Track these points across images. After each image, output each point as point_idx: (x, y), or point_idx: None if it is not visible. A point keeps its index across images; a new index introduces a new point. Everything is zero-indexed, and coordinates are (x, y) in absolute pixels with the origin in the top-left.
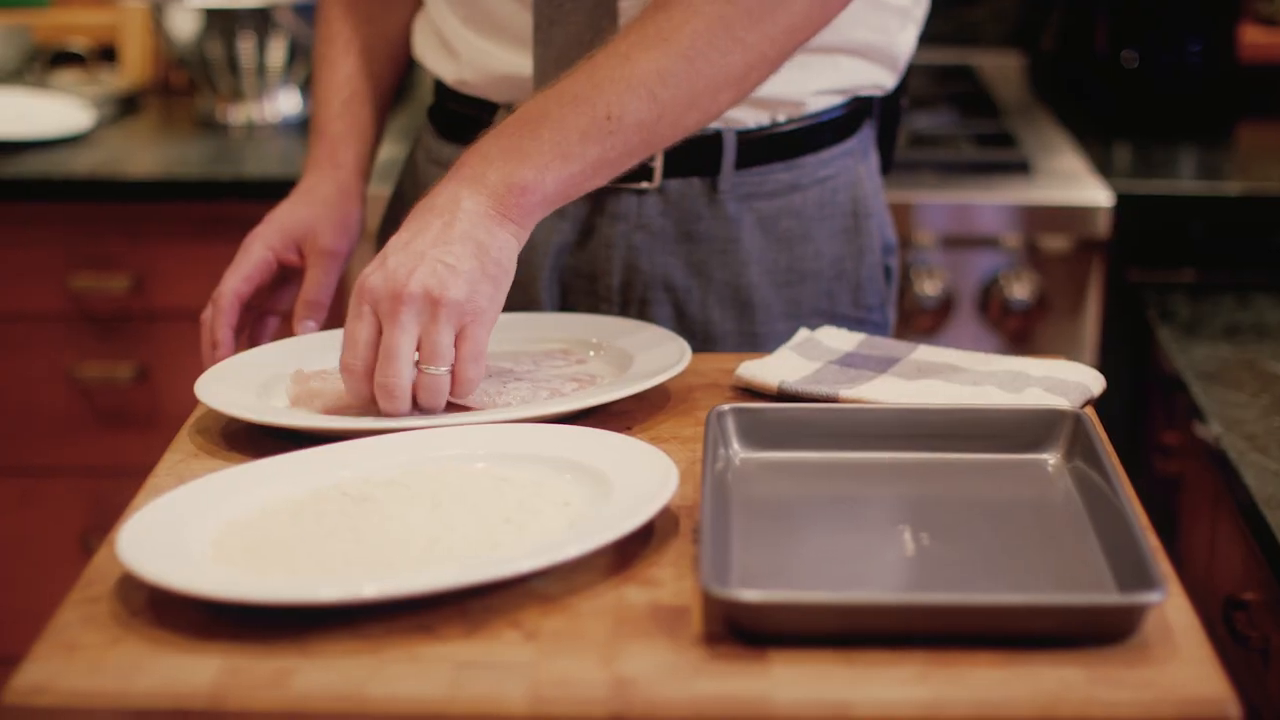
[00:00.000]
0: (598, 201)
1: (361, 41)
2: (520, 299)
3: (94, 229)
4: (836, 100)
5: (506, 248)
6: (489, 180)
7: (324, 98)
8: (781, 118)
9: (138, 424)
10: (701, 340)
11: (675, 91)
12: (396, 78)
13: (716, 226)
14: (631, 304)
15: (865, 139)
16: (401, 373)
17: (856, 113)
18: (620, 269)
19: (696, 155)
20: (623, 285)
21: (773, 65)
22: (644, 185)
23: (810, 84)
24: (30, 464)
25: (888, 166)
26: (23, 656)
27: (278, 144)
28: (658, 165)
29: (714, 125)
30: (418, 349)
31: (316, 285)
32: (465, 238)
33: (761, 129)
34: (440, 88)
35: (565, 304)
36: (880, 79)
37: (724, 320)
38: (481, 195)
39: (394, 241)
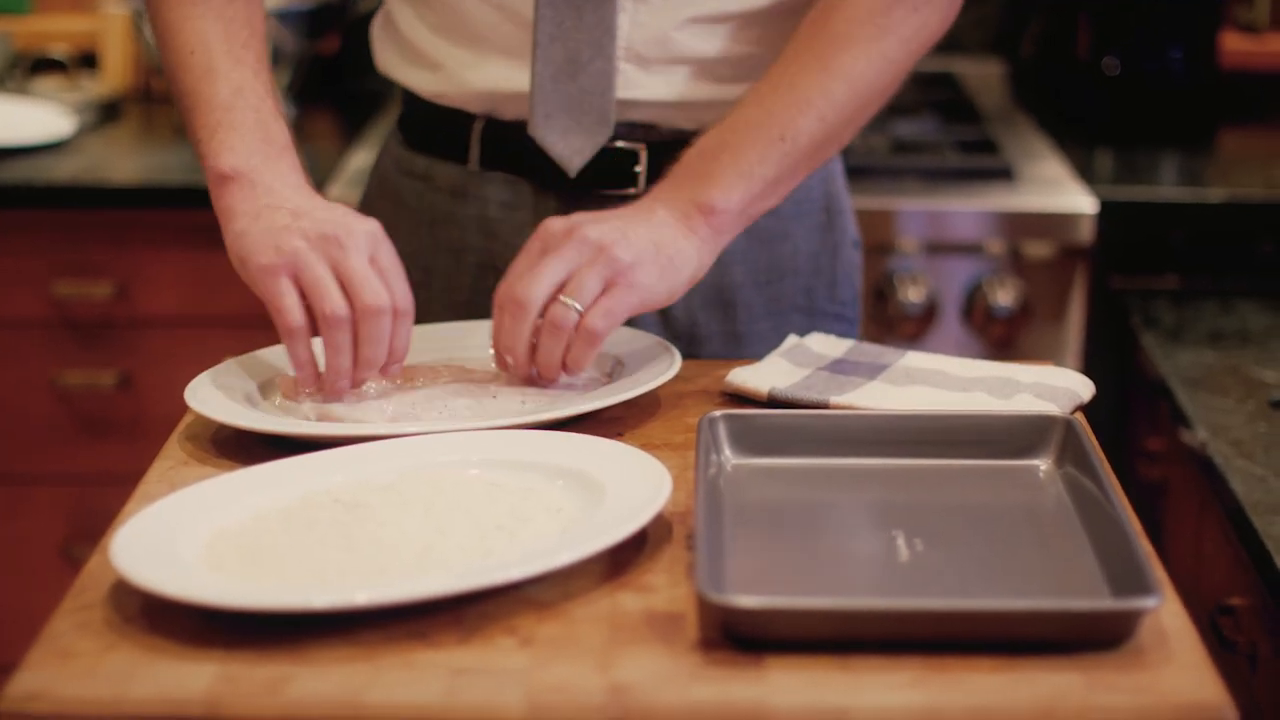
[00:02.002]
0: (582, 208)
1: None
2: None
3: (76, 236)
4: None
5: (686, 256)
6: (680, 199)
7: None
8: None
9: (120, 431)
10: (687, 342)
11: (838, 110)
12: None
13: None
14: None
15: None
16: (538, 291)
17: None
18: None
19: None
20: None
21: (906, 75)
22: (629, 191)
23: None
24: (12, 471)
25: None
26: (6, 663)
27: None
28: (641, 171)
29: (694, 129)
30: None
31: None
32: (651, 229)
33: None
34: (411, 98)
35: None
36: None
37: (709, 321)
38: (674, 208)
39: (602, 216)
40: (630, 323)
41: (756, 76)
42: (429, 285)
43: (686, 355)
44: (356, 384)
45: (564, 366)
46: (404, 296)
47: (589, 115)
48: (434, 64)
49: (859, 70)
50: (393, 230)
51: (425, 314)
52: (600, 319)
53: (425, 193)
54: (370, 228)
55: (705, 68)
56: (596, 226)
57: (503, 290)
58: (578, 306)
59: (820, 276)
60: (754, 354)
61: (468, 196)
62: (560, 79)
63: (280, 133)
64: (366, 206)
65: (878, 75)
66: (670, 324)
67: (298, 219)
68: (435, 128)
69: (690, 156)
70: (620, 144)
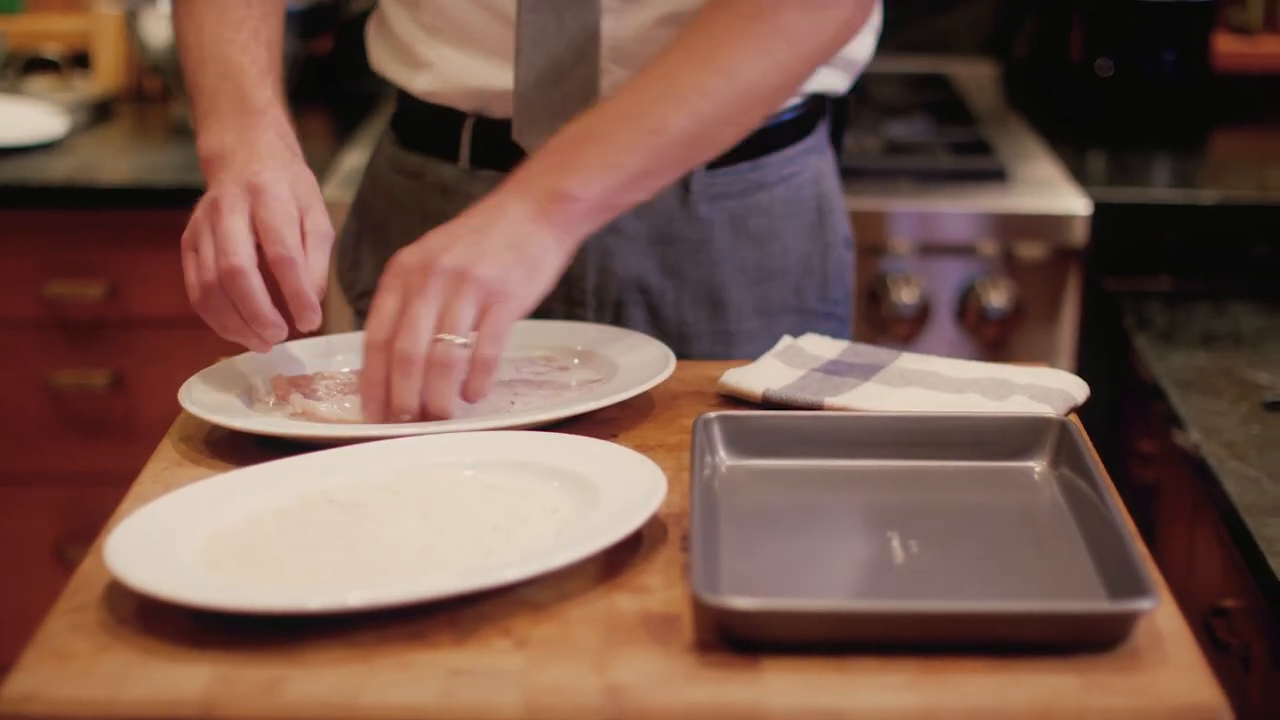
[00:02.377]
0: None
1: None
2: None
3: (69, 236)
4: (795, 100)
5: (546, 249)
6: (535, 189)
7: (235, 60)
8: None
9: (113, 432)
10: (676, 341)
11: (716, 107)
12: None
13: (689, 228)
14: (606, 306)
15: (822, 137)
16: (418, 341)
17: (813, 112)
18: (595, 272)
19: None
20: (597, 288)
21: (801, 82)
22: None
23: None
24: (5, 471)
25: (838, 164)
26: None
27: None
28: None
29: None
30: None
31: (320, 270)
32: (505, 233)
33: None
34: (404, 97)
35: (540, 308)
36: (835, 82)
37: (698, 320)
38: (527, 201)
39: (435, 231)
40: (618, 322)
41: None
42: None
43: (676, 354)
44: (268, 345)
45: (464, 397)
46: (281, 246)
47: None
48: (425, 63)
49: (741, 69)
50: (386, 227)
51: None
52: (490, 346)
53: (417, 190)
54: (248, 182)
55: None
56: (451, 252)
57: (375, 340)
58: (464, 341)
59: (811, 276)
60: (744, 353)
61: (458, 195)
62: (543, 84)
63: (260, 96)
64: (361, 204)
65: (762, 75)
66: (659, 323)
67: (214, 189)
68: (427, 126)
69: (554, 143)
70: None
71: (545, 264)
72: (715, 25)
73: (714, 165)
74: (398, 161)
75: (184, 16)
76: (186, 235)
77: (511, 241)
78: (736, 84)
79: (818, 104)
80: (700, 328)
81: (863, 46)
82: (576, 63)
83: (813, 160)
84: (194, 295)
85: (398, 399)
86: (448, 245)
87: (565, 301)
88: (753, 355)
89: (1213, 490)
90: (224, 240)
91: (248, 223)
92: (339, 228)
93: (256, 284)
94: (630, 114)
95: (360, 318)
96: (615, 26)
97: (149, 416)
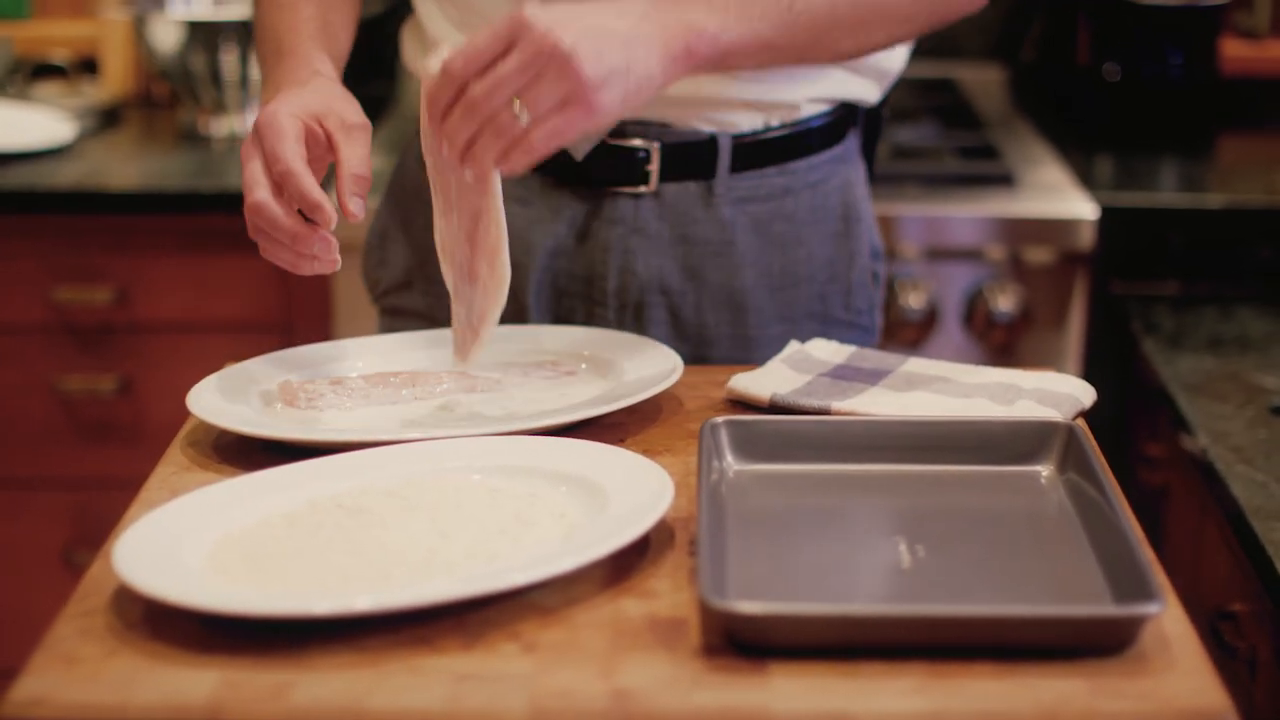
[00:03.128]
0: (593, 205)
1: None
2: (512, 304)
3: (77, 241)
4: (824, 107)
5: (652, 78)
6: (675, 12)
7: (288, 25)
8: (775, 121)
9: (120, 437)
10: (695, 344)
11: (851, 10)
12: (356, 16)
13: (711, 230)
14: (627, 308)
15: (851, 146)
16: (493, 96)
17: (843, 120)
18: (616, 272)
19: (692, 159)
20: (618, 289)
21: (911, 36)
22: (640, 189)
23: (802, 91)
24: (13, 476)
25: (870, 176)
26: (6, 668)
27: None
28: (654, 169)
29: (708, 129)
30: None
31: (358, 158)
32: (627, 42)
33: (755, 133)
34: None
35: (559, 307)
36: (867, 91)
37: (718, 324)
38: (664, 22)
39: (586, 15)
40: (638, 324)
41: (770, 75)
42: (443, 280)
43: (695, 357)
44: (322, 260)
45: (499, 165)
46: (277, 164)
47: None
48: None
49: None
50: (414, 223)
51: (440, 309)
52: (545, 139)
53: None
54: (255, 124)
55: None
56: (571, 34)
57: (456, 71)
58: (526, 118)
59: (835, 284)
60: (764, 359)
61: None
62: None
63: (291, 42)
64: (391, 201)
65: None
66: (679, 325)
67: None
68: None
69: None
70: (635, 142)
71: (643, 92)
72: None
73: (738, 168)
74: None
75: (261, 13)
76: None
77: (629, 54)
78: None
79: (848, 112)
80: (721, 331)
81: (896, 57)
82: None
83: (841, 169)
84: (252, 236)
85: (451, 132)
86: (572, 24)
87: (586, 301)
88: None
89: (1220, 494)
90: (244, 184)
91: (262, 161)
92: (366, 228)
93: (274, 210)
94: None
95: (386, 316)
96: None
97: (156, 421)
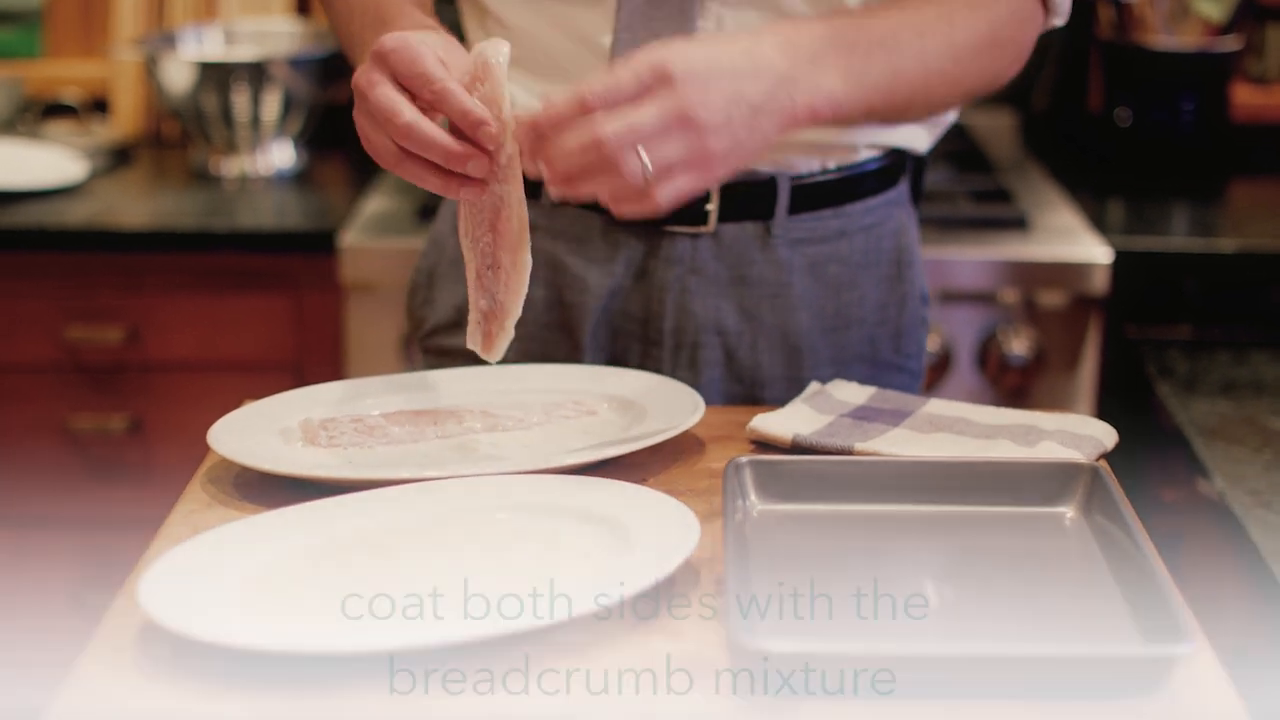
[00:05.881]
0: (651, 245)
1: None
2: (567, 343)
3: (88, 280)
4: (878, 152)
5: (764, 147)
6: (811, 84)
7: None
8: (832, 164)
9: (131, 476)
10: (750, 385)
11: (940, 78)
12: None
13: (768, 271)
14: (683, 348)
15: (903, 191)
16: (624, 139)
17: (896, 165)
18: (673, 312)
19: (751, 199)
20: (675, 329)
21: (971, 100)
22: (699, 230)
23: (861, 135)
24: (22, 514)
25: (919, 221)
26: (16, 707)
27: (271, 197)
28: (713, 209)
29: (768, 170)
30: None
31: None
32: (755, 109)
33: (812, 175)
34: None
35: (614, 346)
36: (919, 139)
37: (773, 365)
38: (795, 93)
39: (713, 49)
40: (693, 366)
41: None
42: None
43: (748, 398)
44: (480, 185)
45: (609, 202)
46: (428, 86)
47: None
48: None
49: (968, 55)
50: (462, 263)
51: None
52: (667, 196)
53: None
54: (374, 53)
55: None
56: (709, 98)
57: (591, 101)
58: (650, 171)
59: (885, 327)
60: None
61: (538, 230)
62: (644, 11)
63: (394, 6)
64: (436, 242)
65: (972, 69)
66: (734, 367)
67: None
68: None
69: (858, 29)
70: None
71: (755, 158)
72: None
73: (796, 210)
74: None
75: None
76: (361, 134)
77: (755, 125)
78: (964, 67)
79: (900, 158)
80: (775, 373)
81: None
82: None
83: (894, 213)
84: (391, 167)
85: (561, 158)
86: (713, 84)
87: (641, 341)
88: None
89: (1238, 538)
90: (381, 111)
91: (393, 86)
92: (412, 267)
93: (430, 129)
94: (887, 43)
95: (429, 356)
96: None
97: (167, 461)
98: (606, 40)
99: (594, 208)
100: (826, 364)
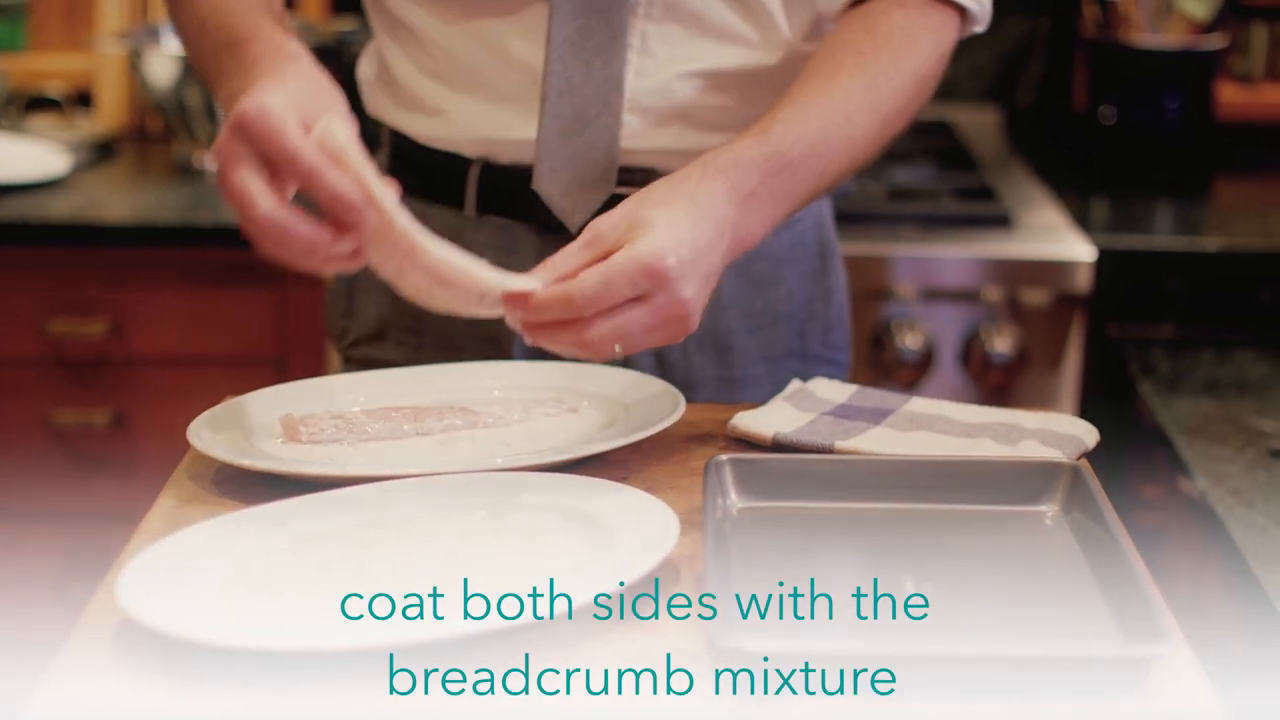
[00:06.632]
0: None
1: None
2: (497, 356)
3: (71, 274)
4: None
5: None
6: (748, 225)
7: (233, 9)
8: None
9: (114, 470)
10: (681, 386)
11: (865, 152)
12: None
13: None
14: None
15: None
16: (605, 342)
17: None
18: None
19: None
20: None
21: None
22: None
23: None
24: (4, 509)
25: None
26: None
27: None
28: None
29: None
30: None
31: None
32: (716, 272)
33: None
34: (402, 142)
35: (547, 356)
36: None
37: (704, 366)
38: (737, 237)
39: (696, 243)
40: (624, 368)
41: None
42: (420, 331)
43: (695, 403)
44: (345, 262)
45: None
46: (293, 169)
47: (593, 170)
48: (433, 110)
49: (892, 122)
50: None
51: (417, 361)
52: (622, 351)
53: None
54: (236, 120)
55: (706, 118)
56: (697, 288)
57: (577, 300)
58: (618, 352)
59: (814, 321)
60: (748, 399)
61: (463, 241)
62: (568, 134)
63: (248, 27)
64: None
65: (894, 131)
66: (666, 369)
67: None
68: (429, 172)
69: (793, 142)
70: (620, 190)
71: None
72: (881, 70)
73: None
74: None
75: (181, 11)
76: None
77: (712, 286)
78: (885, 138)
79: None
80: (706, 374)
81: None
82: (600, 113)
83: (815, 205)
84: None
85: (545, 340)
86: (698, 275)
87: None
88: (757, 401)
89: (1219, 537)
90: (237, 198)
91: (252, 165)
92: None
93: (288, 222)
94: (817, 153)
95: (350, 365)
96: (634, 79)
97: (150, 455)
98: (535, 59)
99: (520, 217)
100: (758, 362)
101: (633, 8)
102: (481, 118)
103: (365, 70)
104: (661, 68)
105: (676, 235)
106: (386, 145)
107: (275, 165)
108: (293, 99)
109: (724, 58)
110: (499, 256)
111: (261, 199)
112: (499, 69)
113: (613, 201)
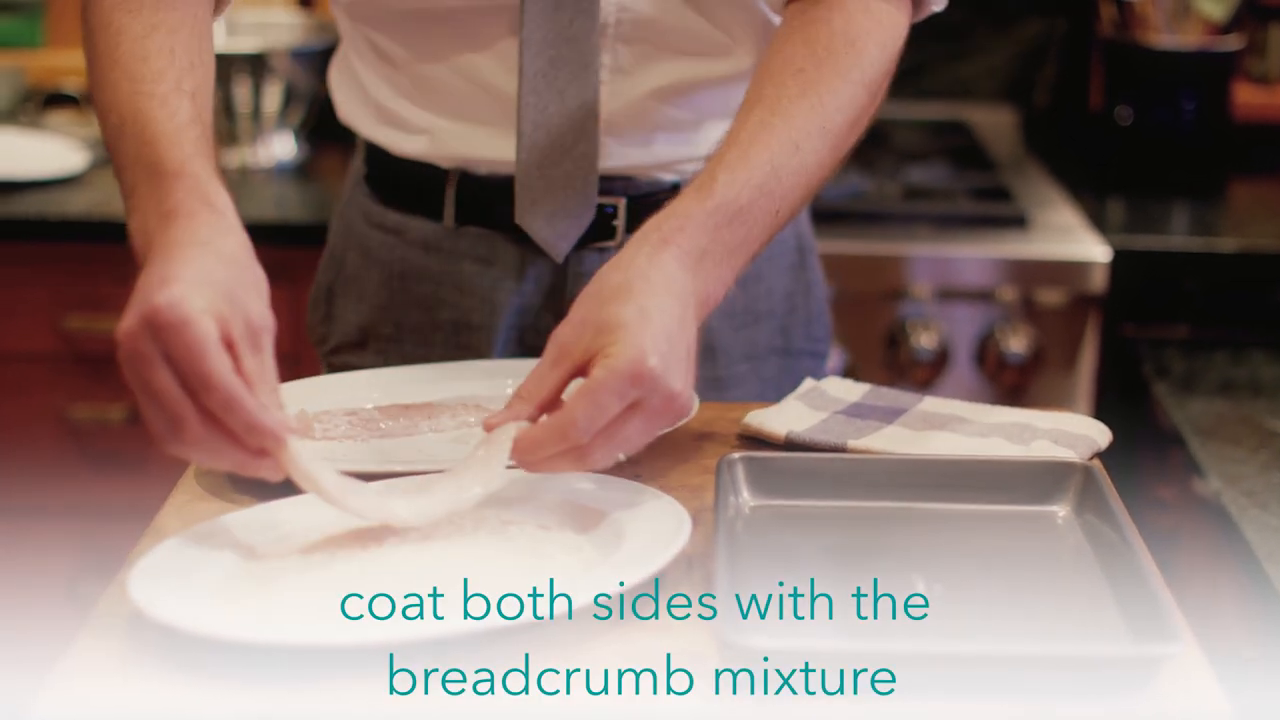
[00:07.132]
0: (562, 262)
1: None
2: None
3: (87, 269)
4: None
5: None
6: (709, 287)
7: (159, 121)
8: None
9: (129, 466)
10: None
11: (818, 178)
12: (211, 69)
13: None
14: None
15: None
16: (602, 460)
17: None
18: None
19: (656, 209)
20: None
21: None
22: (607, 244)
23: None
24: (19, 504)
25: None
26: (13, 696)
27: (272, 188)
28: (620, 224)
29: (671, 179)
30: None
31: (271, 369)
32: (691, 355)
33: None
34: (378, 153)
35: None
36: None
37: None
38: (700, 297)
39: (671, 335)
40: None
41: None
42: (400, 340)
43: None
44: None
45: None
46: (208, 393)
47: (573, 199)
48: (418, 130)
49: (843, 142)
50: (361, 281)
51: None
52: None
53: (396, 246)
54: (152, 317)
55: (681, 130)
56: (683, 377)
57: (569, 430)
58: (621, 458)
59: (795, 316)
60: (734, 398)
61: (441, 252)
62: (546, 165)
63: (174, 156)
64: (332, 258)
65: (847, 146)
66: None
67: (126, 317)
68: (407, 184)
69: (740, 186)
70: (602, 199)
71: None
72: (826, 89)
73: None
74: (374, 217)
75: (101, 77)
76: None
77: (693, 359)
78: (836, 158)
79: None
80: None
81: None
82: (577, 141)
83: None
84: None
85: (543, 466)
86: (680, 362)
87: None
88: (742, 400)
89: (1233, 539)
90: (161, 403)
91: (170, 370)
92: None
93: (212, 446)
94: (770, 191)
95: (331, 371)
96: (609, 100)
97: (164, 452)
98: (509, 86)
99: (498, 228)
100: (741, 360)
101: (602, 29)
102: (460, 138)
103: (336, 78)
104: (635, 85)
105: (649, 331)
106: (361, 152)
107: (187, 382)
108: (213, 296)
109: (698, 69)
110: (478, 267)
111: (180, 422)
112: (477, 96)
113: (595, 226)
